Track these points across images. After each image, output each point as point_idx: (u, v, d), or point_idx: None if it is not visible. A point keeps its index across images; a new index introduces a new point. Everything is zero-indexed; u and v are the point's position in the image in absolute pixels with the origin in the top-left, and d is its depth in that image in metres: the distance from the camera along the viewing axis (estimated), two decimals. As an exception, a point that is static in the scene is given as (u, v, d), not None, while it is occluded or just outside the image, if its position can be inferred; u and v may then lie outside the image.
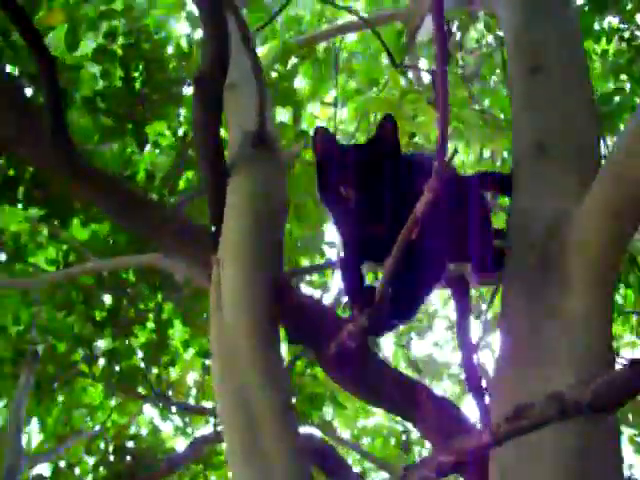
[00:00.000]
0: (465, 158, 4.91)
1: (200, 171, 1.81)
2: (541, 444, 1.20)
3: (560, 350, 1.26)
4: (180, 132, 3.63)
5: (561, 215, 1.41)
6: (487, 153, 4.45)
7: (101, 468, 4.02)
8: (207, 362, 3.94)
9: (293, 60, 3.70)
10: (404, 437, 4.82)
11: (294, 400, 3.56)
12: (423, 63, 4.44)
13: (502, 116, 4.38)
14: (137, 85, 3.31)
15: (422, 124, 3.17)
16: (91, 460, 4.18)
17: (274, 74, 3.52)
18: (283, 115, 3.68)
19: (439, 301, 5.08)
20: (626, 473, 4.94)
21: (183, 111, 3.55)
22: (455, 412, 1.56)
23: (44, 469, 4.37)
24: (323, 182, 1.47)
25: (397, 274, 1.34)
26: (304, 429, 3.42)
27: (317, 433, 3.70)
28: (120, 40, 3.30)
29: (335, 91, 3.95)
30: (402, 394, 1.58)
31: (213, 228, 1.69)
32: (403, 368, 5.04)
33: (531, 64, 1.79)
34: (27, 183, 2.90)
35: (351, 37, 4.61)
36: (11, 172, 2.91)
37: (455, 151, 1.41)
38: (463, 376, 1.67)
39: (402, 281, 1.41)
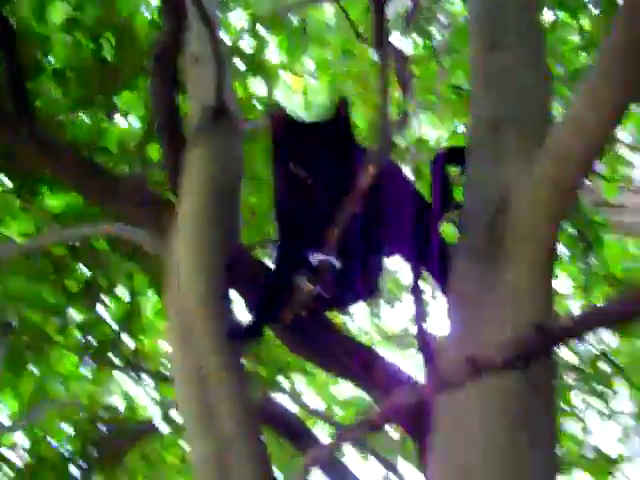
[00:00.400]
0: (439, 132, 4.96)
1: (159, 142, 1.84)
2: (472, 405, 1.27)
3: (499, 319, 1.33)
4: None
5: (507, 190, 1.47)
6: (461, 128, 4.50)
7: (75, 436, 4.09)
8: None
9: (264, 31, 3.72)
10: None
11: (262, 369, 3.65)
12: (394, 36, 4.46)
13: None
14: (107, 56, 3.33)
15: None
16: (67, 428, 4.25)
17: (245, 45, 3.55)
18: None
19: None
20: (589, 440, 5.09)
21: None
22: (406, 378, 1.64)
23: (20, 438, 4.42)
24: (275, 159, 1.51)
25: (343, 249, 1.40)
26: (274, 397, 3.50)
27: (287, 402, 3.79)
28: (90, 11, 3.30)
29: (307, 62, 3.97)
30: (355, 361, 1.65)
31: (171, 198, 1.73)
32: (377, 340, 5.13)
33: (489, 41, 1.84)
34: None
35: (327, 9, 4.62)
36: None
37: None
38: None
39: (349, 257, 1.47)
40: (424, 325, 1.68)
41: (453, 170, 1.95)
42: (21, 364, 3.75)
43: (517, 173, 1.50)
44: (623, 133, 4.44)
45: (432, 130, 5.03)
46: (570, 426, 5.16)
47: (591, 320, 0.81)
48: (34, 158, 1.87)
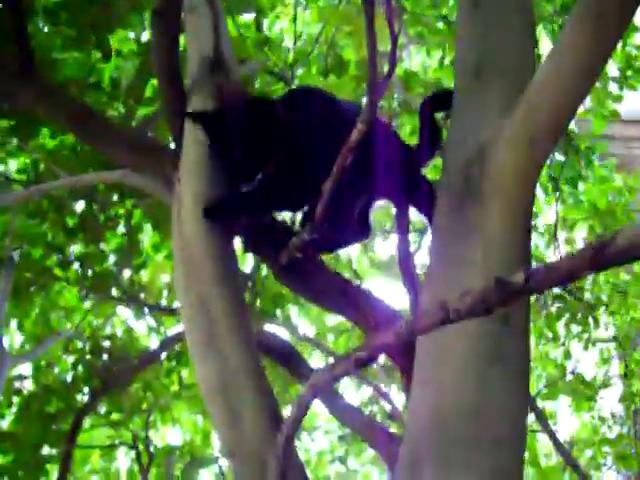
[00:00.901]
0: (428, 63, 4.98)
1: (161, 95, 1.91)
2: (452, 344, 1.40)
3: (476, 264, 1.43)
4: (144, 38, 3.66)
5: (486, 140, 1.53)
6: (448, 60, 4.52)
7: (79, 366, 4.26)
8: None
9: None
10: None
11: (259, 301, 3.78)
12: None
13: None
14: (99, -6, 3.32)
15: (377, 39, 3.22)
16: (70, 359, 4.41)
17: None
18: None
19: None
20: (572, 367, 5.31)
21: (146, 17, 3.57)
22: (392, 313, 1.76)
23: (25, 369, 4.59)
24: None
25: (333, 197, 1.50)
26: (269, 328, 3.65)
27: (282, 331, 3.95)
28: (79, -51, 3.28)
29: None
30: (345, 298, 1.77)
31: (174, 148, 1.81)
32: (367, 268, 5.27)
33: None
34: (-7, 95, 2.96)
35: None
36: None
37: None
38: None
39: (339, 203, 1.57)
40: (410, 265, 1.79)
41: (439, 114, 2.02)
42: (25, 298, 3.87)
43: (496, 123, 1.54)
44: (611, 67, 4.49)
45: (421, 62, 5.06)
46: (553, 353, 5.38)
47: (546, 278, 0.90)
48: (37, 106, 1.94)
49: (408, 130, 4.17)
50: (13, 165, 3.91)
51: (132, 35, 3.71)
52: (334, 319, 4.84)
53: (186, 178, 1.72)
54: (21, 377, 4.13)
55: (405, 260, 1.77)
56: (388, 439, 1.93)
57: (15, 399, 4.24)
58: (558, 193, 4.16)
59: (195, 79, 1.85)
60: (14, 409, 4.25)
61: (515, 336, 1.42)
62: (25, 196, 2.87)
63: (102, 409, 4.30)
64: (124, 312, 4.66)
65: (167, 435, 5.26)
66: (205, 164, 1.72)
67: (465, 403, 1.42)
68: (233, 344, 1.60)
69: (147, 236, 4.07)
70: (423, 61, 4.94)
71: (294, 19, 3.79)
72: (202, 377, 1.62)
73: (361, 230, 1.80)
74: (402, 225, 1.80)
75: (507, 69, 1.66)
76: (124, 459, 5.05)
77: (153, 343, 4.69)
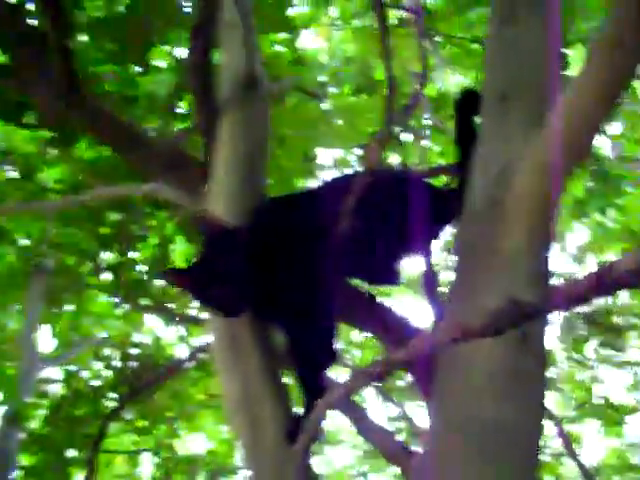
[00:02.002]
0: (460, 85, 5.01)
1: (194, 110, 1.98)
2: (471, 361, 1.43)
3: (496, 286, 1.46)
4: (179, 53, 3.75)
5: (510, 163, 1.57)
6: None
7: (108, 372, 4.34)
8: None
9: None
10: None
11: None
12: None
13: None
14: (139, 10, 3.42)
15: (407, 59, 3.28)
16: (99, 365, 4.50)
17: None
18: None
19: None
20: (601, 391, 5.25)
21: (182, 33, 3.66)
22: (414, 329, 1.79)
23: (55, 373, 4.69)
24: None
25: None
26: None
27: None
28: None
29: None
30: (370, 314, 1.81)
31: (205, 162, 1.88)
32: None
33: (503, 16, 1.90)
34: (37, 108, 3.06)
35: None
36: (22, 98, 3.06)
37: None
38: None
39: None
40: (433, 285, 1.82)
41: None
42: (58, 304, 3.97)
43: (519, 149, 1.56)
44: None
45: (455, 83, 5.10)
46: (581, 375, 5.34)
47: (556, 300, 0.93)
48: (78, 123, 2.02)
49: (438, 150, 4.21)
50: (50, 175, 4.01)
51: (168, 50, 3.80)
52: (359, 335, 4.87)
53: (214, 192, 1.78)
54: (50, 381, 4.22)
55: (429, 280, 1.80)
56: (408, 456, 1.95)
57: (44, 402, 4.34)
58: (586, 219, 4.15)
59: (227, 96, 1.91)
60: (43, 411, 4.35)
61: (533, 354, 1.45)
62: (62, 206, 2.96)
63: (128, 415, 4.37)
64: (153, 320, 4.74)
65: (191, 443, 5.32)
66: (233, 181, 1.77)
67: (482, 418, 1.45)
68: (255, 358, 1.64)
69: (178, 247, 4.14)
70: (457, 82, 4.97)
71: (329, 38, 3.86)
72: (226, 391, 1.67)
73: (392, 278, 1.81)
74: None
75: (533, 91, 1.69)
76: (148, 465, 5.12)
77: (180, 351, 4.76)
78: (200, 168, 1.92)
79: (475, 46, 4.61)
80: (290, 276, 1.57)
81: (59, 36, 1.89)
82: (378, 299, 1.94)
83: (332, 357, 1.64)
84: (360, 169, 1.53)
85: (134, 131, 2.02)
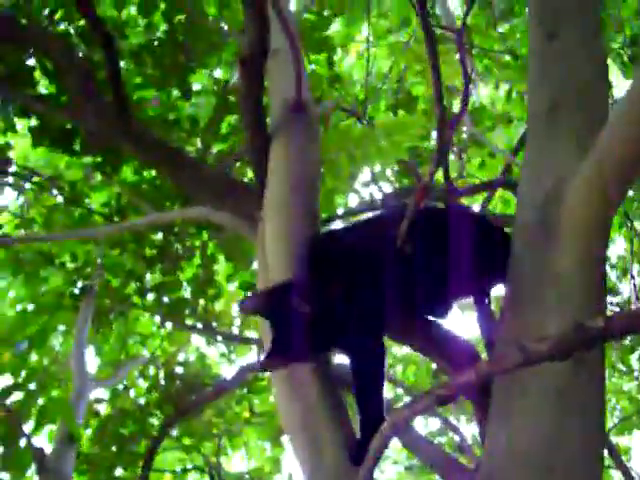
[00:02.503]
0: (494, 97, 5.02)
1: (245, 136, 2.01)
2: (528, 382, 1.43)
3: (551, 304, 1.46)
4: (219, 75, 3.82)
5: (562, 179, 1.56)
6: (515, 93, 4.55)
7: (153, 391, 4.39)
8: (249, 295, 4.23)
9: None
10: (434, 366, 5.12)
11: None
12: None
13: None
14: (179, 36, 3.49)
15: (448, 76, 3.30)
16: (144, 384, 4.56)
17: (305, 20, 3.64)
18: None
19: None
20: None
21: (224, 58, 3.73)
22: (463, 345, 1.80)
23: (101, 392, 4.75)
24: None
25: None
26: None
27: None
28: (162, -7, 3.45)
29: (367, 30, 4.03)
30: (418, 330, 1.82)
31: (257, 187, 1.91)
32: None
33: (549, 30, 1.90)
34: (83, 134, 3.14)
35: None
36: (68, 125, 3.15)
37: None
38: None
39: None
40: (484, 304, 1.82)
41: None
42: (105, 325, 4.04)
43: (572, 162, 1.57)
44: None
45: (489, 95, 5.10)
46: (627, 386, 5.27)
47: (626, 324, 0.93)
48: (129, 149, 2.07)
49: (476, 163, 4.22)
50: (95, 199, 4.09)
51: (208, 73, 3.88)
52: (402, 350, 4.87)
53: (270, 217, 1.80)
54: (99, 400, 4.28)
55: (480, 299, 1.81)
56: (460, 471, 1.96)
57: (92, 421, 4.40)
58: (631, 230, 4.11)
59: (277, 121, 1.95)
60: (91, 431, 4.40)
61: (590, 375, 1.45)
62: (112, 231, 3.02)
63: (174, 432, 4.42)
64: (197, 340, 4.79)
65: (236, 461, 5.35)
66: (289, 204, 1.80)
67: (540, 438, 1.45)
68: (313, 379, 1.66)
69: (221, 267, 4.19)
70: (491, 95, 4.97)
71: (366, 57, 3.88)
72: (285, 413, 1.68)
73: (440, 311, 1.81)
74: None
75: (582, 104, 1.69)
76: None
77: (225, 370, 4.80)
78: (252, 192, 1.95)
79: (508, 58, 4.63)
80: (356, 302, 1.58)
81: (110, 63, 1.94)
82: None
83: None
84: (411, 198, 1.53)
85: (182, 155, 2.06)
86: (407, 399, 5.16)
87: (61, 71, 2.32)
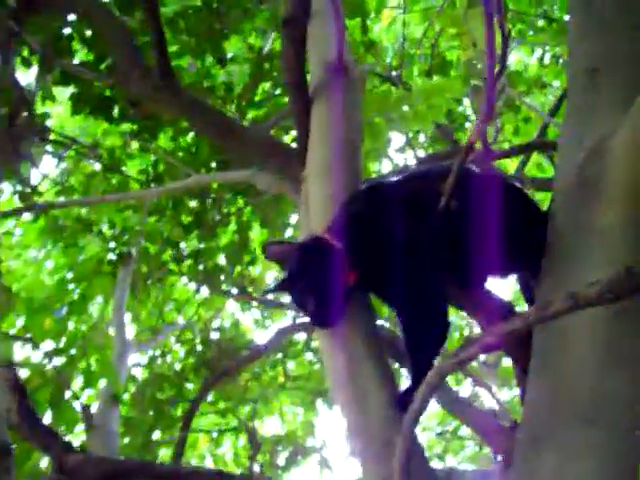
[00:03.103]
0: (528, 61, 4.97)
1: (288, 98, 2.03)
2: (572, 333, 1.45)
3: (594, 257, 1.48)
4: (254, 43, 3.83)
5: (604, 136, 1.56)
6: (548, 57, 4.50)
7: (190, 357, 4.48)
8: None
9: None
10: (466, 331, 5.16)
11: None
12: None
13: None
14: (214, 3, 3.51)
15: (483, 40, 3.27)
16: (181, 350, 4.65)
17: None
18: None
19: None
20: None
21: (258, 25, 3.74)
22: (507, 307, 1.83)
23: (139, 358, 4.85)
24: None
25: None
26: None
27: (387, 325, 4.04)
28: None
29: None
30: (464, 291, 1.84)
31: (300, 148, 1.94)
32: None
33: None
34: (121, 102, 3.19)
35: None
36: (107, 92, 3.20)
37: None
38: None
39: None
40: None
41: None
42: (142, 291, 4.12)
43: (615, 120, 1.55)
44: None
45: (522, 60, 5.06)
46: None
47: None
48: (173, 113, 2.11)
49: (510, 129, 4.20)
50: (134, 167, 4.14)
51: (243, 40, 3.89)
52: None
53: (313, 178, 1.83)
54: (135, 365, 4.37)
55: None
56: (499, 431, 1.99)
57: (130, 386, 4.50)
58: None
59: (318, 83, 1.97)
60: (129, 395, 4.51)
61: (636, 327, 1.47)
62: (152, 195, 3.07)
63: (209, 397, 4.50)
64: (232, 306, 4.86)
65: (270, 425, 5.45)
66: (332, 165, 1.83)
67: (583, 387, 1.47)
68: (360, 334, 1.69)
69: (256, 234, 4.24)
70: (525, 60, 4.92)
71: (401, 21, 3.86)
72: (331, 366, 1.72)
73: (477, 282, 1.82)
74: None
75: (623, 65, 1.68)
76: (229, 446, 5.26)
77: (258, 336, 4.87)
78: (293, 153, 1.98)
79: (542, 22, 4.58)
80: (402, 252, 1.60)
81: (155, 28, 1.97)
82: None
83: (445, 332, 1.68)
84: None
85: (227, 118, 2.09)
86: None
87: (105, 39, 2.36)
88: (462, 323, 5.23)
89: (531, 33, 4.41)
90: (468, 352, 1.37)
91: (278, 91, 3.74)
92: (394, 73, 3.70)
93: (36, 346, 2.77)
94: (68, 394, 3.32)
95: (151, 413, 4.30)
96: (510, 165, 4.06)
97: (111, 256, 4.21)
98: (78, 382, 3.58)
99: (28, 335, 3.54)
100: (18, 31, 2.35)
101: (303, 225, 1.86)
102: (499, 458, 1.99)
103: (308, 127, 1.91)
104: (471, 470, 3.47)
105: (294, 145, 2.13)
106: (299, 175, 1.90)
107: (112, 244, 4.18)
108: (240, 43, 3.79)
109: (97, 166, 3.96)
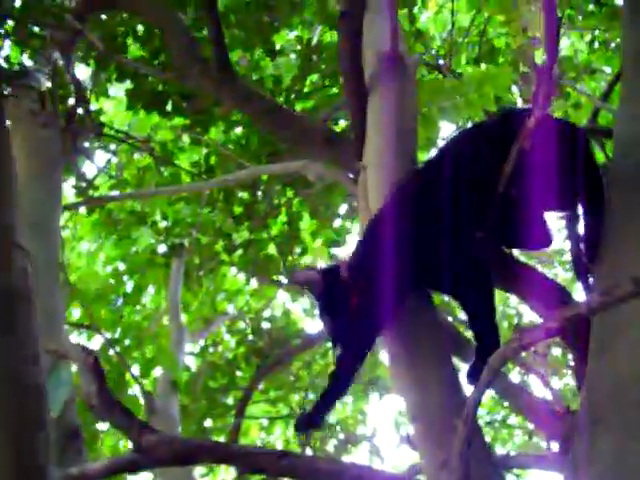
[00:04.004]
0: (577, 46, 4.91)
1: (344, 91, 2.07)
2: (632, 315, 1.47)
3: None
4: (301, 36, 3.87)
5: None
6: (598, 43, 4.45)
7: (241, 346, 4.56)
8: (333, 251, 4.33)
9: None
10: (516, 320, 5.14)
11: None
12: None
13: (619, 1, 4.32)
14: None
15: (535, 24, 3.27)
16: (232, 340, 4.73)
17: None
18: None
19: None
20: None
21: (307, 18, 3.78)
22: (564, 293, 1.84)
23: (190, 347, 4.94)
24: None
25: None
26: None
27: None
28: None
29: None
30: (521, 277, 1.86)
31: (356, 138, 1.97)
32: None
33: None
34: (174, 97, 3.26)
35: None
36: (160, 87, 3.27)
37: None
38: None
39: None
40: (579, 246, 1.84)
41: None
42: (195, 282, 4.20)
43: None
44: None
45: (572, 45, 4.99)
46: None
47: None
48: (231, 104, 2.16)
49: (560, 115, 4.16)
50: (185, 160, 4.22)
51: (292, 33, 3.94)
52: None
53: (371, 168, 1.86)
54: (188, 354, 4.46)
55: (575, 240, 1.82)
56: (554, 416, 2.00)
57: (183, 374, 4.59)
58: None
59: (374, 74, 2.00)
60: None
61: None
62: (211, 186, 3.12)
63: (260, 386, 4.57)
64: (282, 296, 4.92)
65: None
66: (389, 153, 1.85)
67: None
68: (420, 323, 1.72)
69: (305, 224, 4.28)
70: (574, 45, 4.87)
71: (450, 9, 3.85)
72: (392, 353, 1.75)
73: (542, 238, 1.83)
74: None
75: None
76: (280, 433, 5.33)
77: (308, 325, 4.92)
78: (349, 143, 2.01)
79: (592, 7, 4.52)
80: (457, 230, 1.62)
81: (213, 24, 2.02)
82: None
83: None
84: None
85: (283, 109, 2.14)
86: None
87: (164, 35, 2.42)
88: (511, 312, 5.22)
89: (580, 18, 4.36)
90: (531, 336, 1.39)
91: (326, 83, 3.77)
92: (441, 62, 3.70)
93: (100, 333, 2.86)
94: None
95: (204, 401, 4.39)
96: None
97: (163, 248, 4.29)
98: (134, 370, 3.67)
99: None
100: (81, 29, 2.42)
101: (362, 213, 1.90)
102: (553, 443, 2.01)
103: (364, 117, 1.95)
104: (525, 455, 3.49)
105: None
106: (356, 165, 1.93)
107: (165, 236, 4.26)
108: (287, 36, 3.82)
109: (149, 160, 4.05)
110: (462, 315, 4.42)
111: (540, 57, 3.88)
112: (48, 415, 1.12)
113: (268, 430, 5.15)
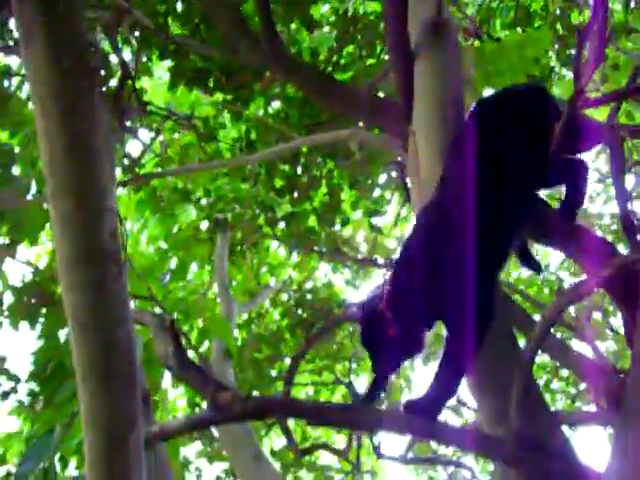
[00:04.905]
0: (613, 6, 4.85)
1: (390, 57, 2.10)
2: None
3: None
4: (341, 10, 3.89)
5: None
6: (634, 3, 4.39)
7: (285, 318, 4.64)
8: (373, 221, 4.38)
9: None
10: (556, 287, 5.15)
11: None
12: None
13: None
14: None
15: None
16: (276, 312, 4.81)
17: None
18: None
19: (591, 155, 5.18)
20: None
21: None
22: (612, 247, 1.86)
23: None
24: None
25: None
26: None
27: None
28: None
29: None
30: (567, 234, 1.89)
31: (404, 104, 2.00)
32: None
33: None
34: (216, 73, 3.31)
35: None
36: (200, 64, 3.32)
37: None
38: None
39: None
40: (628, 205, 1.87)
41: None
42: (238, 255, 4.28)
43: None
44: None
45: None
46: None
47: None
48: (281, 76, 2.20)
49: (597, 77, 4.13)
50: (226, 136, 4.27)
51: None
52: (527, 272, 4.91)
53: (421, 133, 1.90)
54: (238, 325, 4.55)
55: (623, 200, 1.85)
56: (602, 372, 2.03)
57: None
58: None
59: (420, 40, 2.03)
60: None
61: None
62: (257, 159, 3.18)
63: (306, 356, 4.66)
64: (324, 268, 4.99)
65: (363, 382, 5.58)
66: (438, 119, 1.89)
67: None
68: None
69: (346, 195, 4.33)
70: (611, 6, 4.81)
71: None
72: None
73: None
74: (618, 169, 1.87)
75: None
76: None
77: (350, 295, 4.99)
78: (398, 110, 2.05)
79: None
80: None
81: (263, 11, 2.07)
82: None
83: None
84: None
85: (332, 78, 2.18)
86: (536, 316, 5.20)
87: (211, 12, 2.47)
88: (552, 278, 5.23)
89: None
90: (586, 286, 1.43)
91: (363, 54, 3.79)
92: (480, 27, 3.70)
93: (158, 303, 2.95)
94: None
95: (250, 372, 4.49)
96: (597, 115, 4.01)
97: (207, 223, 4.38)
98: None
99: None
100: (128, 8, 2.48)
101: (413, 178, 1.94)
102: (602, 399, 2.05)
103: (411, 84, 1.98)
104: (575, 412, 3.53)
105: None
106: (405, 131, 1.97)
107: (208, 211, 4.34)
108: (322, 8, 3.85)
109: (191, 137, 4.11)
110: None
111: (576, 19, 3.86)
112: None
113: (314, 397, 5.24)
